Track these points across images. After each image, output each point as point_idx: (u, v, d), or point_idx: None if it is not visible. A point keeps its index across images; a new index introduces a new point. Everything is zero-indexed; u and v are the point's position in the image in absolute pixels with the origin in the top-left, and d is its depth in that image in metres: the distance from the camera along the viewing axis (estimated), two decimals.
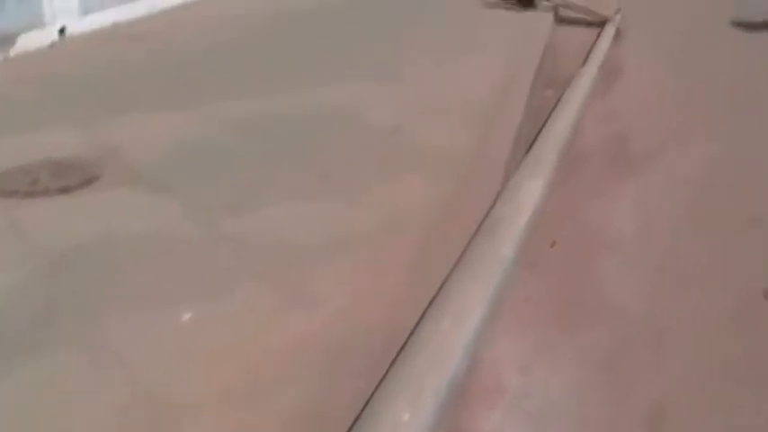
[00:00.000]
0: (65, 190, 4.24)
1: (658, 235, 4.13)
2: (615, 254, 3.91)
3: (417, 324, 2.85)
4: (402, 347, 2.71)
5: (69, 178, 4.38)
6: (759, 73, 7.34)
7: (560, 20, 9.62)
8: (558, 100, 5.91)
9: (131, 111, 5.68)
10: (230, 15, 9.86)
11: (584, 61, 7.30)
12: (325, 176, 4.33)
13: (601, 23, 9.15)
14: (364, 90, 6.02)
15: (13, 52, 7.66)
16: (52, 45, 8.11)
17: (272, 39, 8.43)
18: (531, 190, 4.03)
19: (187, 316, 3.02)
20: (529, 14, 9.32)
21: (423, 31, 8.49)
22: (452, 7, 9.98)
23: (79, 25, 8.65)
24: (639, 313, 3.38)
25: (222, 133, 5.13)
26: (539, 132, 5.14)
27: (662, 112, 6.22)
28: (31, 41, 7.94)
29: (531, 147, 4.86)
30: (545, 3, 9.76)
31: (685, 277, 3.66)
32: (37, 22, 8.20)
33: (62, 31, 8.35)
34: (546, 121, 5.39)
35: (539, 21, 9.02)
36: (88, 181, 4.35)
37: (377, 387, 2.52)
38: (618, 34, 8.78)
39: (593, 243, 4.03)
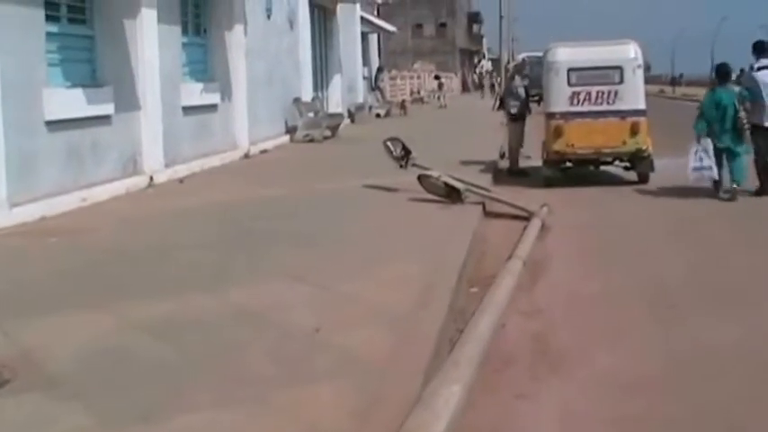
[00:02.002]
0: None
1: None
2: None
3: None
4: None
5: None
6: (684, 268, 7.62)
7: (488, 214, 9.97)
8: (482, 299, 6.01)
9: (50, 311, 5.62)
10: (159, 209, 10.02)
11: (510, 256, 7.49)
12: (239, 383, 4.28)
13: (527, 217, 9.47)
14: (283, 292, 6.05)
15: None
16: None
17: (193, 235, 8.53)
18: (450, 396, 4.03)
19: None
20: (456, 209, 9.61)
21: (348, 229, 8.67)
22: (379, 203, 10.29)
23: (6, 218, 8.67)
24: None
25: (136, 336, 5.08)
26: (461, 333, 5.20)
27: (586, 310, 6.33)
28: None
29: (453, 347, 4.90)
30: (473, 197, 10.09)
31: None
32: None
33: None
34: (469, 320, 5.47)
35: (466, 216, 9.30)
36: None
37: None
38: (544, 228, 9.07)
39: None
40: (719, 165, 11.19)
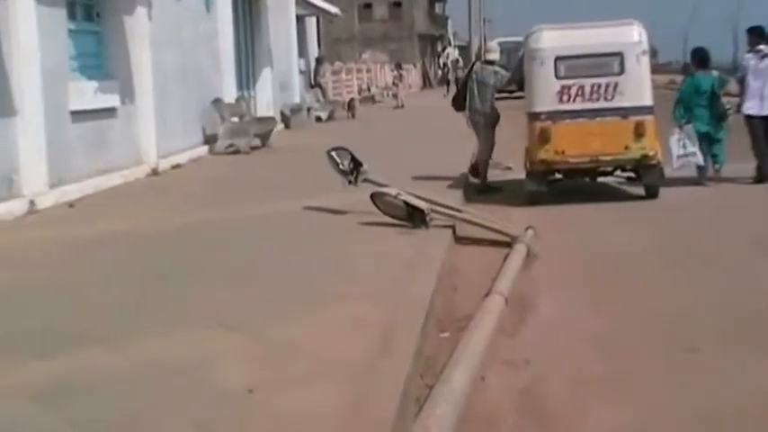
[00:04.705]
0: None
1: None
2: None
3: None
4: None
5: None
6: (703, 301, 7.74)
7: (459, 239, 10.04)
8: (456, 346, 6.04)
9: None
10: (45, 241, 9.92)
11: (488, 292, 7.54)
12: None
13: (508, 243, 9.56)
14: (207, 342, 6.05)
15: None
16: None
17: (92, 273, 8.47)
18: None
19: None
20: (421, 234, 9.67)
21: (286, 262, 8.67)
22: (324, 228, 10.35)
23: None
24: None
25: (23, 405, 5.04)
26: (431, 389, 5.23)
27: (585, 358, 6.39)
28: None
29: (421, 409, 4.93)
30: (440, 219, 10.16)
31: None
32: None
33: None
34: (440, 374, 5.49)
35: (433, 242, 9.36)
36: None
37: None
38: (529, 256, 9.14)
39: None
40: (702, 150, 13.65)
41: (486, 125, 14.35)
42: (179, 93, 18.01)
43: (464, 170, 15.04)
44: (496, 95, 14.52)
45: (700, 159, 13.62)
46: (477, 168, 14.58)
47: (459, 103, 14.92)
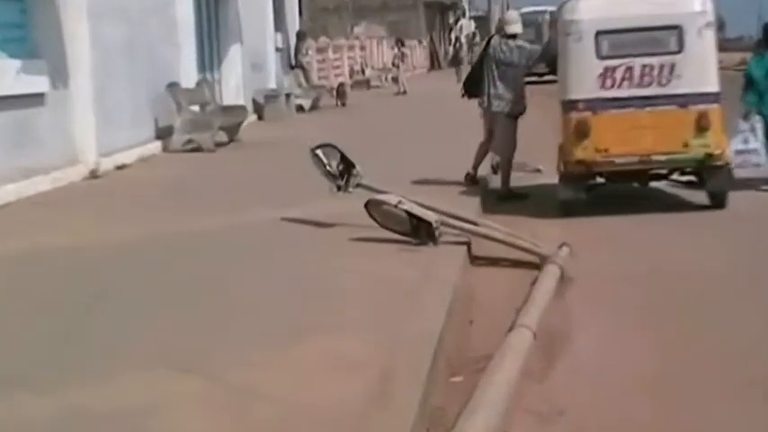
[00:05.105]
0: None
1: None
2: None
3: None
4: None
5: None
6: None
7: (476, 259, 10.08)
8: (471, 393, 6.05)
9: None
10: None
11: (512, 325, 7.56)
12: None
13: (537, 264, 9.60)
14: (158, 387, 6.06)
15: None
16: None
17: (15, 299, 8.52)
18: None
19: None
20: (428, 252, 9.69)
21: (257, 286, 8.68)
22: (306, 244, 10.39)
23: None
24: None
25: None
26: None
27: (629, 407, 6.40)
28: None
29: None
30: (452, 233, 10.20)
31: None
32: None
33: None
34: (452, 428, 5.50)
35: (443, 262, 9.37)
36: None
37: None
38: (563, 280, 9.17)
39: None
40: None
41: (509, 116, 14.26)
42: (125, 75, 17.99)
43: (483, 173, 15.01)
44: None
45: (762, 158, 14.07)
46: (475, 176, 14.60)
47: (471, 86, 14.89)
